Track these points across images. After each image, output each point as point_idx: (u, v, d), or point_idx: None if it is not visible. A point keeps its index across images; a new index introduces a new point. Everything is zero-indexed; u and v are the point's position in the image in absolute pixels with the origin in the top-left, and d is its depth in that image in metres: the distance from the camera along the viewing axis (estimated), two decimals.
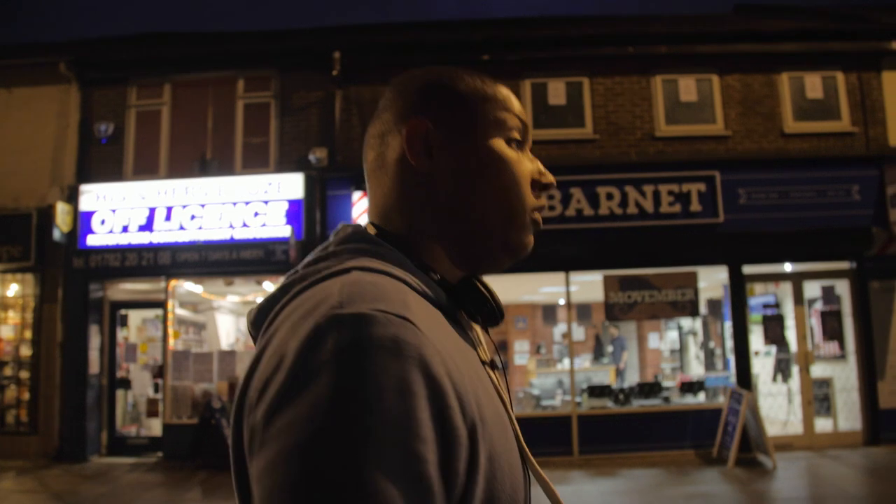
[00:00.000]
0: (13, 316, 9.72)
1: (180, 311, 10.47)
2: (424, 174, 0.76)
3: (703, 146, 9.31)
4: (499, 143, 0.78)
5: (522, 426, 0.74)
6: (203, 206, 9.26)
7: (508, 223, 0.77)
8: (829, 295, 9.28)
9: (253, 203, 9.20)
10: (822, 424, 8.91)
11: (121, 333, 10.07)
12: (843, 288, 9.06)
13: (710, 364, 10.66)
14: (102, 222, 9.34)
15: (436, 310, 0.69)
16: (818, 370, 9.09)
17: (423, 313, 0.63)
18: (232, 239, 9.17)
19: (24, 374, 9.45)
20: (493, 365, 0.76)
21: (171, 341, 9.39)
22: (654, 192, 8.98)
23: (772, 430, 9.06)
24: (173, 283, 9.54)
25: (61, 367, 9.23)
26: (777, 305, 9.37)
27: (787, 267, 9.22)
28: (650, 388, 9.00)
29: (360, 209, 8.96)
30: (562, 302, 11.58)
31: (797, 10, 10.59)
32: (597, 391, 8.90)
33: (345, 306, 0.58)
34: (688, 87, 9.47)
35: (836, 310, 9.05)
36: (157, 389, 9.49)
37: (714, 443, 8.28)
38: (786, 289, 9.36)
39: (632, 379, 11.12)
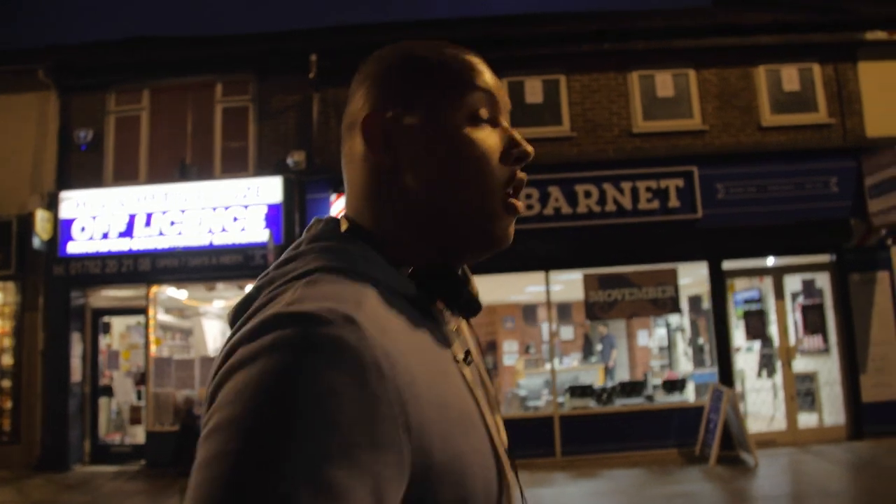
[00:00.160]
0: None
1: (166, 318, 10.46)
2: (387, 168, 0.73)
3: (680, 141, 9.26)
4: (461, 124, 0.73)
5: (506, 428, 0.75)
6: (183, 211, 9.25)
7: (477, 212, 0.73)
8: (810, 288, 9.22)
9: (232, 208, 9.19)
10: (808, 419, 8.85)
11: (103, 341, 10.06)
12: (823, 281, 9.01)
13: (698, 360, 10.61)
14: (83, 229, 9.33)
15: (403, 307, 0.67)
16: (802, 364, 9.02)
17: (378, 313, 0.62)
18: (211, 245, 9.15)
19: (6, 384, 9.43)
20: (466, 359, 0.73)
21: (152, 348, 9.37)
22: (632, 188, 8.94)
23: (758, 425, 9.03)
24: (154, 289, 9.52)
25: (43, 375, 9.19)
26: (760, 300, 9.33)
27: (769, 261, 9.16)
28: (633, 387, 8.95)
29: (337, 212, 8.93)
30: (542, 301, 11.53)
31: (776, 3, 10.53)
32: (579, 391, 8.86)
33: (293, 304, 0.59)
34: (665, 83, 9.42)
35: (818, 303, 9.00)
36: (139, 397, 9.48)
37: (696, 441, 8.24)
38: (767, 283, 9.31)
39: (622, 377, 11.06)
